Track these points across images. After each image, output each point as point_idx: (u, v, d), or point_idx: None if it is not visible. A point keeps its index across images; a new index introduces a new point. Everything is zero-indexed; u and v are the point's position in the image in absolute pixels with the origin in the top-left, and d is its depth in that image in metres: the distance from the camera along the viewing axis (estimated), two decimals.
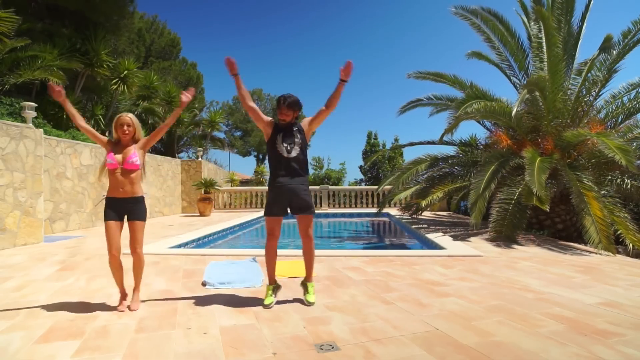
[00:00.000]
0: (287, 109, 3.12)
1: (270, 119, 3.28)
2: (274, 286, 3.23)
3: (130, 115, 3.11)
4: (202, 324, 2.70)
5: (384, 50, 67.29)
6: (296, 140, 3.14)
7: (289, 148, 3.12)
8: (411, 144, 11.33)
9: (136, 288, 3.14)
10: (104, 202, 3.08)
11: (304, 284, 3.28)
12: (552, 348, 2.24)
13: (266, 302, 3.10)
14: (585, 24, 8.21)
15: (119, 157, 2.99)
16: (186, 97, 3.19)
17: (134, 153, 3.03)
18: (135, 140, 3.13)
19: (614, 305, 3.03)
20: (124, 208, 3.02)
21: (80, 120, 3.16)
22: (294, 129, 3.17)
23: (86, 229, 8.64)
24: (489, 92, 8.78)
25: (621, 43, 7.69)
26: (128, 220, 3.04)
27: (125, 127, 3.03)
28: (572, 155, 7.38)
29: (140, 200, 3.08)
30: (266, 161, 36.63)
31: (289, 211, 3.22)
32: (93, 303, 3.19)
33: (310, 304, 3.11)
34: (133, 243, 3.03)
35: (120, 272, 3.08)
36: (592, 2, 8.14)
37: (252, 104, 3.22)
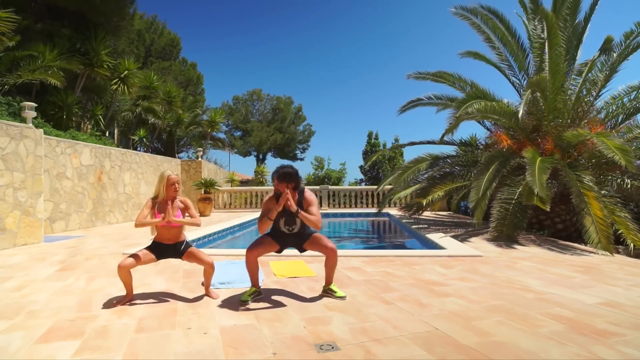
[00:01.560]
0: (278, 182, 3.13)
1: (272, 197, 3.24)
2: (256, 290, 3.28)
3: (177, 175, 3.41)
4: (202, 324, 2.70)
5: (384, 50, 67.28)
6: (297, 222, 3.23)
7: (290, 229, 3.26)
8: (411, 144, 11.34)
9: (208, 286, 3.42)
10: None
11: (327, 290, 3.36)
12: (552, 348, 2.24)
13: (242, 298, 3.20)
14: (589, 25, 8.21)
15: (164, 215, 3.21)
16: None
17: (179, 213, 3.33)
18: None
19: (614, 305, 3.03)
20: (169, 252, 3.34)
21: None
22: (296, 214, 3.14)
23: (86, 229, 8.64)
24: (489, 92, 8.79)
25: (623, 44, 7.68)
26: (182, 258, 3.34)
27: (176, 185, 3.32)
28: (572, 155, 7.38)
29: (184, 241, 3.39)
30: (266, 161, 36.03)
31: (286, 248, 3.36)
32: (93, 303, 3.19)
33: (343, 298, 3.26)
34: (201, 262, 3.30)
35: (128, 279, 3.18)
36: (598, 3, 8.12)
37: (264, 223, 3.19)
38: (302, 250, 3.36)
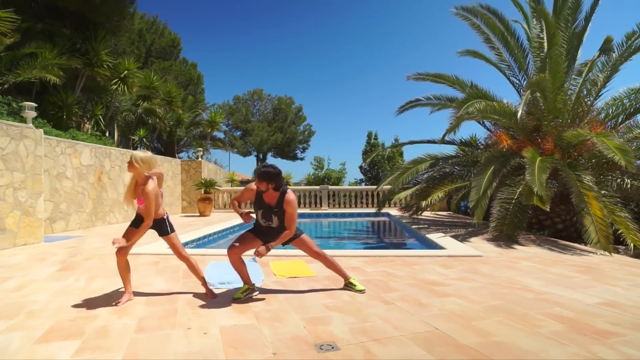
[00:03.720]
0: (258, 181, 3.13)
1: (253, 189, 3.25)
2: (249, 288, 3.34)
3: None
4: (202, 324, 2.70)
5: (384, 50, 67.25)
6: (274, 219, 3.23)
7: (266, 223, 3.29)
8: (411, 142, 11.33)
9: (203, 283, 3.43)
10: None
11: (347, 284, 3.57)
12: (552, 348, 2.24)
13: (235, 295, 3.30)
14: (589, 25, 8.19)
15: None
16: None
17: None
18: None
19: (614, 305, 3.03)
20: (154, 227, 3.27)
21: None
22: (273, 211, 3.19)
23: (86, 229, 8.64)
24: (489, 92, 8.79)
25: (624, 44, 7.66)
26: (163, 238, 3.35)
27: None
28: (572, 155, 7.38)
29: (161, 221, 3.27)
30: (267, 161, 36.09)
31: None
32: (93, 303, 3.19)
33: (362, 291, 3.46)
34: (175, 253, 3.35)
35: (126, 272, 3.23)
36: (599, 3, 8.09)
37: (237, 206, 3.39)
38: (285, 245, 3.37)
